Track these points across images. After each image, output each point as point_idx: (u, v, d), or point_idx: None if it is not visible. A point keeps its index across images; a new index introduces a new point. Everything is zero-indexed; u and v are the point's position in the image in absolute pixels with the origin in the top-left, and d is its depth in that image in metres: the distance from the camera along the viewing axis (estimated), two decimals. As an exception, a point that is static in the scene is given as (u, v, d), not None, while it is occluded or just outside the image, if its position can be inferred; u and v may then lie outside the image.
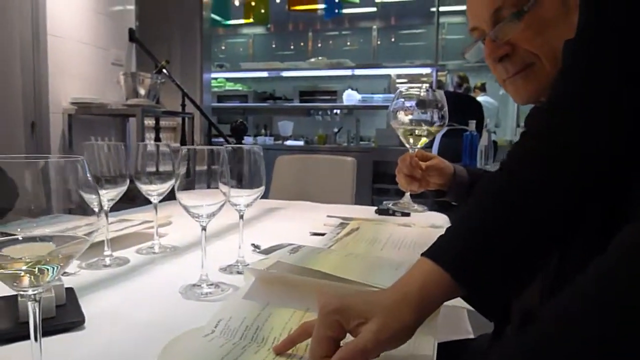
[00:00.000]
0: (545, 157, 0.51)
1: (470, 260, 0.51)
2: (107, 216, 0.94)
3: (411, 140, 1.04)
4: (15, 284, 0.41)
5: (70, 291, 0.72)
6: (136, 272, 0.89)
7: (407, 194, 1.12)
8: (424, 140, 1.03)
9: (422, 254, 0.54)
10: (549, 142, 0.52)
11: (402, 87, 1.04)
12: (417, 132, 1.01)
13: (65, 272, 0.85)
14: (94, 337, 0.62)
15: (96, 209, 0.44)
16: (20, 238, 0.41)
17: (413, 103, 1.01)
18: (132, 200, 2.43)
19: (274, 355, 0.53)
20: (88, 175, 0.44)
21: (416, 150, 1.06)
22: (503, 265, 0.50)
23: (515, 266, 0.51)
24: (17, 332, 0.59)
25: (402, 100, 1.02)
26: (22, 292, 0.42)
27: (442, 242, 0.54)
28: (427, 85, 5.26)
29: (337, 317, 0.49)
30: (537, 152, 0.53)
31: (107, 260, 0.93)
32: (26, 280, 0.41)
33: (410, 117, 1.02)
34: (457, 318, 0.77)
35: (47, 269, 0.42)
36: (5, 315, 0.63)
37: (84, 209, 0.43)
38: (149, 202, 1.05)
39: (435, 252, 0.53)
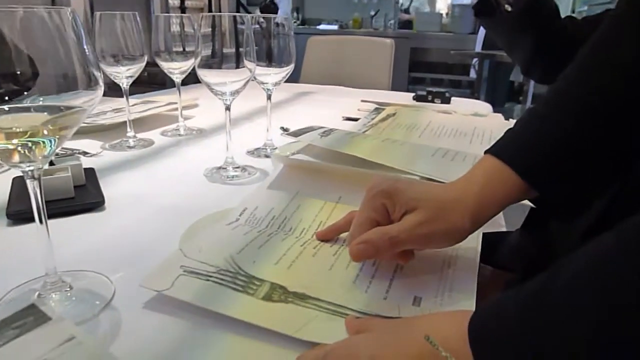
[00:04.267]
0: None
1: (544, 159, 0.43)
2: (127, 95, 0.88)
3: None
4: (9, 159, 0.36)
5: (90, 172, 0.69)
6: (160, 154, 0.85)
7: None
8: None
9: (487, 151, 0.46)
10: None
11: None
12: None
13: (86, 153, 0.82)
14: (115, 218, 0.59)
15: (99, 79, 0.38)
16: (7, 108, 0.35)
17: None
18: (163, 84, 2.37)
19: (302, 243, 0.48)
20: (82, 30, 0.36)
21: None
22: (583, 165, 0.43)
23: (599, 167, 0.43)
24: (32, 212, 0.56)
25: None
26: (18, 169, 0.37)
27: (510, 138, 0.46)
28: None
29: (384, 200, 0.43)
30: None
31: (131, 142, 0.89)
32: (16, 155, 0.36)
33: None
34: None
35: (43, 142, 0.37)
36: (23, 196, 0.60)
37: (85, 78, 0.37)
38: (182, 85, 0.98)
39: (502, 149, 0.45)
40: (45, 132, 0.36)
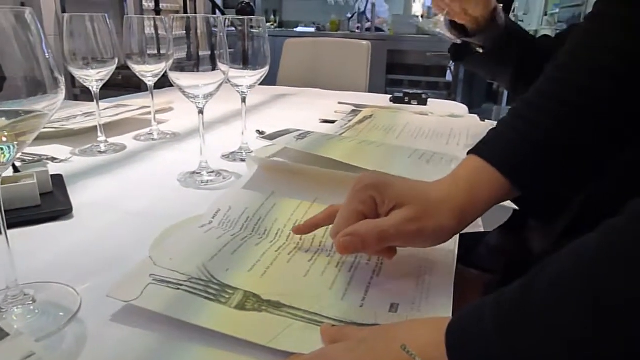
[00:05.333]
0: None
1: (526, 159, 0.43)
2: (97, 99, 0.86)
3: None
4: (-37, 166, 0.35)
5: (58, 178, 0.66)
6: (133, 159, 0.83)
7: (442, 17, 0.92)
8: None
9: (470, 151, 0.46)
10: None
11: None
12: None
13: (54, 159, 0.79)
14: (83, 226, 0.56)
15: (60, 82, 0.36)
16: (-38, 112, 0.33)
17: None
18: (137, 87, 2.33)
19: (276, 248, 0.47)
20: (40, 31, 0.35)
21: None
22: (564, 164, 0.43)
23: (579, 165, 0.44)
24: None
25: None
26: (-26, 176, 0.35)
27: (494, 138, 0.46)
28: None
29: (373, 192, 0.42)
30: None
31: (102, 147, 0.87)
32: (-28, 162, 0.34)
33: None
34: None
35: (1, 148, 0.35)
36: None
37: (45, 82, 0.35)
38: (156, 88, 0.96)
39: (486, 150, 0.45)
40: (4, 138, 0.35)
